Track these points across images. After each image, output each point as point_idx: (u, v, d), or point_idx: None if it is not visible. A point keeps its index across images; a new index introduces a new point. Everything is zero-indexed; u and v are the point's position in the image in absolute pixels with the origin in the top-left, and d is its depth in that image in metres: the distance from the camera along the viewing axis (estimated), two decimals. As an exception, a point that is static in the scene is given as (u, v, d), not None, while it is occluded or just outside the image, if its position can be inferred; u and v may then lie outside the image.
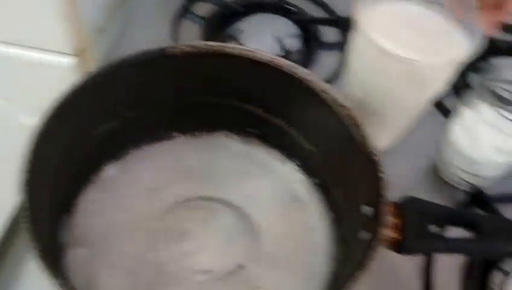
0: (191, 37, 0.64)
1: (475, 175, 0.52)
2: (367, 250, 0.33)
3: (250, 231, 0.46)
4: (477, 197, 0.51)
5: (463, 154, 0.51)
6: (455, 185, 0.54)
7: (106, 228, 0.43)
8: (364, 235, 0.36)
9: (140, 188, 0.47)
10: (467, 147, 0.50)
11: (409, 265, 0.48)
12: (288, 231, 0.46)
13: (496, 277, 0.47)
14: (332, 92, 0.42)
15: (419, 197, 0.38)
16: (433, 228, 0.36)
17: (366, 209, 0.38)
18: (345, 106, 0.41)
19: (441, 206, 0.38)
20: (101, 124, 0.44)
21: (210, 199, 0.47)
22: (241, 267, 0.43)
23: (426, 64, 0.43)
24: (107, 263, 0.41)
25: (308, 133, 0.47)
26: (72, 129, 0.40)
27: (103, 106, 0.43)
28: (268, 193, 0.49)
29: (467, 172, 0.52)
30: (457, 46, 0.44)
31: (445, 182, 0.54)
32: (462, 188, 0.53)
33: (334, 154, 0.44)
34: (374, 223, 0.35)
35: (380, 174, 0.37)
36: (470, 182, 0.52)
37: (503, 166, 0.51)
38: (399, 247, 0.36)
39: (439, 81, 0.46)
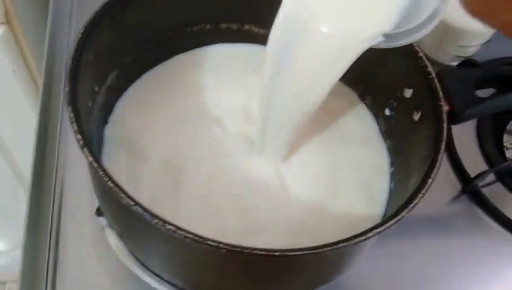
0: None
1: (463, 46, 0.52)
2: (436, 130, 0.32)
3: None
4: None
5: (451, 26, 0.51)
6: (441, 61, 0.54)
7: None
8: (416, 116, 0.36)
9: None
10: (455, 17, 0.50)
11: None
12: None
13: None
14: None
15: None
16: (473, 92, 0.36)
17: (408, 92, 0.37)
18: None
19: (474, 70, 0.38)
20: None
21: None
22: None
23: None
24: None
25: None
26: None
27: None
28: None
29: (456, 45, 0.52)
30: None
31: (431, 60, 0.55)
32: (449, 62, 0.54)
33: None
34: (429, 100, 0.34)
35: (419, 52, 0.35)
36: (458, 54, 0.53)
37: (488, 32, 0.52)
38: (451, 118, 0.35)
39: None
